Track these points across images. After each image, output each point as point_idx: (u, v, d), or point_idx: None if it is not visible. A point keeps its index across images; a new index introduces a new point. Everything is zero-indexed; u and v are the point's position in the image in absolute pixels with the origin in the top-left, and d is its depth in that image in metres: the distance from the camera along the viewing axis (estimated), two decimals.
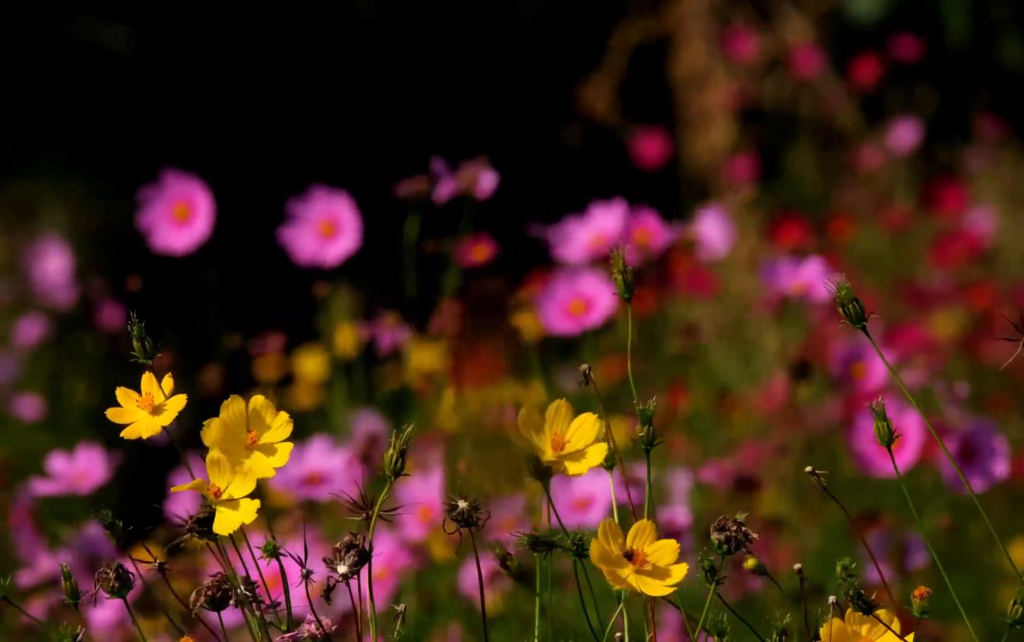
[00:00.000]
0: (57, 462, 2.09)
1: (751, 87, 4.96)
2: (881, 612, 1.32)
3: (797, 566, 1.37)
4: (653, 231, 2.36)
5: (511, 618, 2.11)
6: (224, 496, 1.31)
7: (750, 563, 1.35)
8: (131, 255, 2.35)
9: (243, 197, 2.32)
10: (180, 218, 2.27)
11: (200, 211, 2.26)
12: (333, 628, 1.31)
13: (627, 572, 1.29)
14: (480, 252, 2.36)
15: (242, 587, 1.32)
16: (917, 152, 4.30)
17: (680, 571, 1.30)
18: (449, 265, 2.34)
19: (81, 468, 2.09)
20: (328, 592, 1.33)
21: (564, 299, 2.29)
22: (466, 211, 2.29)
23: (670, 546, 1.30)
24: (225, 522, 1.31)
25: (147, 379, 1.34)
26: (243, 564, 1.34)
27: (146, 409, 1.34)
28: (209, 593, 1.31)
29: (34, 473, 2.17)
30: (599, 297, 2.28)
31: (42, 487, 2.08)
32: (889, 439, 1.34)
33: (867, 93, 4.69)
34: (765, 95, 4.96)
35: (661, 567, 1.30)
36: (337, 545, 1.32)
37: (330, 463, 2.17)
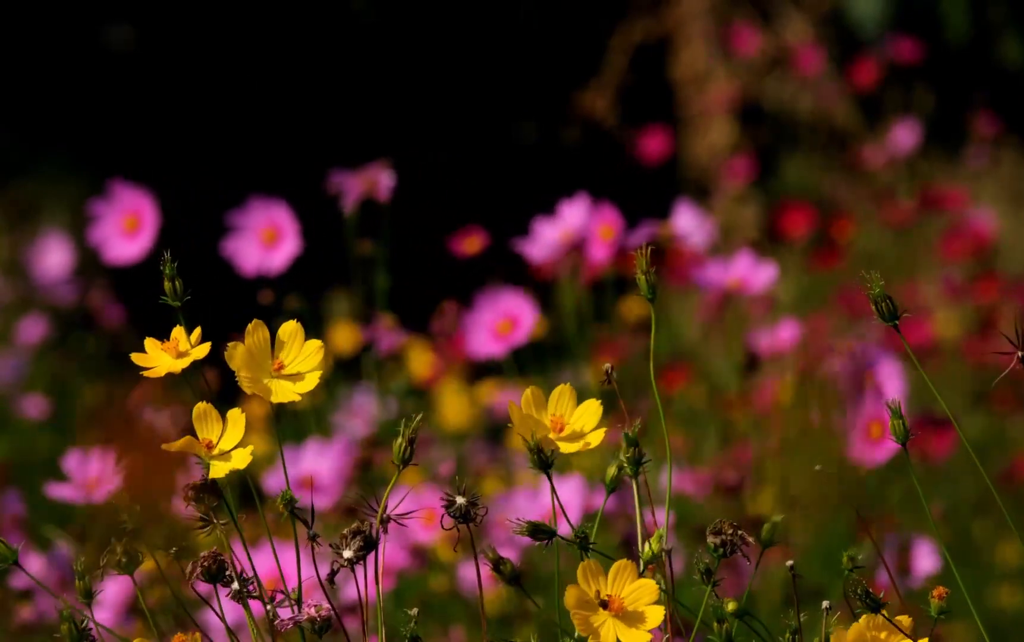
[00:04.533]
0: (72, 462, 2.07)
1: (751, 87, 4.97)
2: (902, 618, 1.32)
3: (789, 562, 1.36)
4: (615, 226, 2.37)
5: (514, 617, 2.11)
6: (215, 451, 1.31)
7: (731, 606, 1.34)
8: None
9: (243, 196, 2.33)
10: (129, 229, 2.26)
11: (147, 222, 2.25)
12: (332, 612, 1.31)
13: (601, 620, 1.26)
14: (472, 244, 2.37)
15: (236, 583, 1.32)
16: (916, 152, 4.30)
17: (658, 614, 1.27)
18: (378, 267, 2.34)
19: (95, 474, 2.06)
20: (332, 576, 1.33)
21: (491, 321, 2.30)
22: (383, 214, 2.29)
23: (649, 587, 1.28)
24: (218, 471, 1.31)
25: (177, 330, 1.34)
26: (249, 559, 1.34)
27: (170, 354, 1.34)
28: (205, 565, 1.31)
29: (37, 472, 2.15)
30: (522, 314, 2.30)
31: (58, 490, 2.06)
32: (905, 437, 1.35)
33: (866, 93, 4.70)
34: (765, 95, 4.97)
35: (639, 611, 1.27)
36: (344, 531, 1.32)
37: (325, 465, 2.16)
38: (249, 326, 1.33)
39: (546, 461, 1.32)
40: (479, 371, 2.83)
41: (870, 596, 1.31)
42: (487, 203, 2.35)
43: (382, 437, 2.33)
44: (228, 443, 1.31)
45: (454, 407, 2.77)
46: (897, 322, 1.35)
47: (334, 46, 5.30)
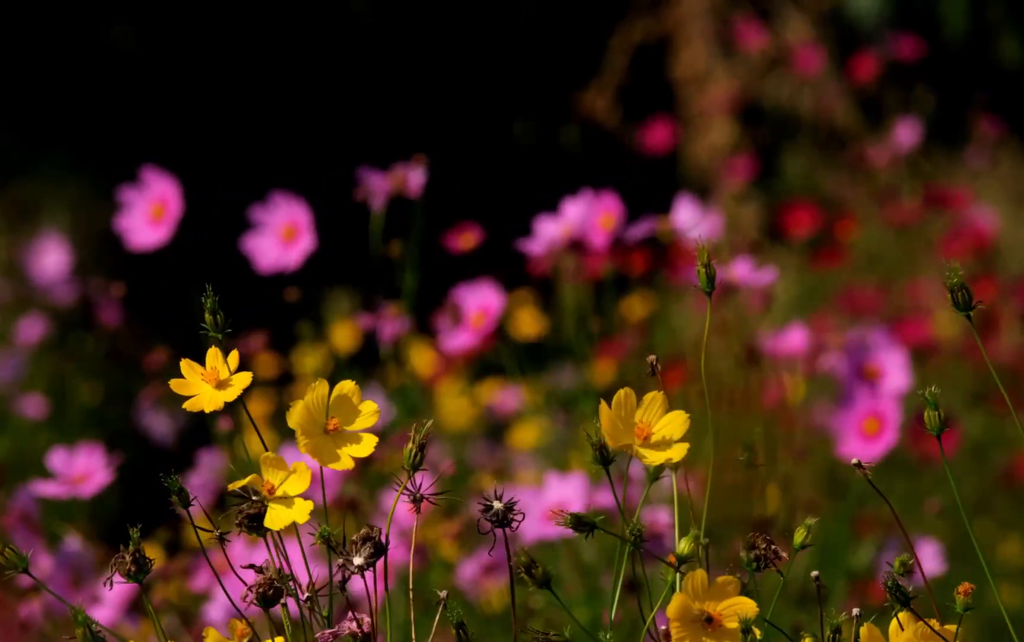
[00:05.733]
0: (57, 459, 2.06)
1: (751, 87, 4.96)
2: (947, 628, 1.32)
3: (814, 574, 1.36)
4: (616, 214, 2.37)
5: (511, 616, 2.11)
6: (278, 493, 1.30)
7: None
8: (132, 256, 2.35)
9: (244, 197, 2.32)
10: (155, 217, 2.25)
11: (171, 210, 2.25)
12: (373, 627, 1.30)
13: (703, 635, 1.26)
14: (467, 240, 2.37)
15: (290, 585, 1.32)
16: (917, 151, 4.30)
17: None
18: (407, 267, 2.33)
19: (82, 469, 2.06)
20: (343, 583, 1.33)
21: (471, 315, 2.31)
22: (416, 212, 2.29)
23: (747, 605, 1.27)
24: (277, 518, 1.29)
25: (213, 353, 1.32)
26: (282, 560, 1.34)
27: (210, 383, 1.31)
28: (260, 590, 1.31)
29: (37, 472, 2.15)
30: (491, 303, 2.30)
31: (43, 489, 2.05)
32: (940, 429, 1.35)
33: (866, 92, 4.70)
34: (765, 95, 4.96)
35: (732, 628, 1.27)
36: (354, 538, 1.32)
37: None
38: (312, 383, 1.31)
39: (607, 458, 1.31)
40: (480, 370, 2.83)
41: (900, 590, 1.31)
42: (488, 202, 2.35)
43: (384, 434, 2.33)
44: (292, 489, 1.30)
45: (455, 406, 2.77)
46: (971, 313, 1.34)
47: (333, 46, 5.30)
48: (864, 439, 2.30)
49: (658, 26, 5.05)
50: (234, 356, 1.31)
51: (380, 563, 1.33)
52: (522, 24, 5.33)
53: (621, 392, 1.33)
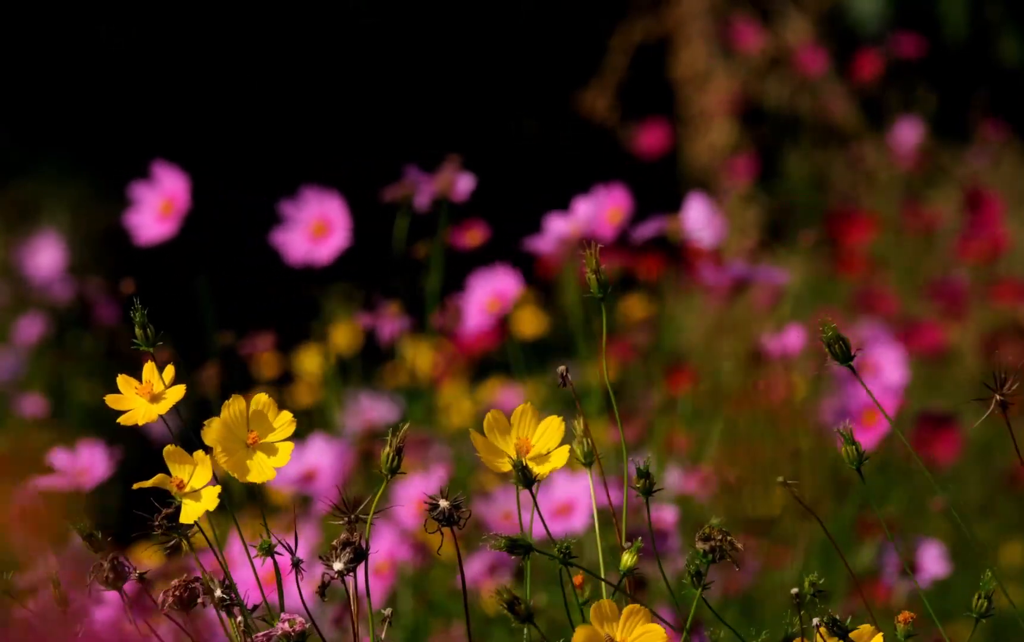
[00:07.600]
0: (60, 458, 2.07)
1: (751, 87, 4.96)
2: (864, 628, 1.31)
3: (794, 590, 1.35)
4: (625, 210, 2.36)
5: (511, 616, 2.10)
6: (187, 488, 1.31)
7: None
8: (133, 256, 2.35)
9: (244, 198, 2.32)
10: (164, 212, 2.25)
11: (180, 204, 2.24)
12: (307, 625, 1.29)
13: None
14: (473, 237, 2.37)
15: (219, 590, 1.31)
16: (918, 151, 4.29)
17: None
18: (431, 267, 2.33)
19: (84, 464, 2.07)
20: (323, 589, 1.32)
21: (482, 298, 2.30)
22: (442, 213, 2.29)
23: (657, 633, 1.27)
24: (189, 512, 1.30)
25: (148, 368, 1.33)
26: (223, 567, 1.33)
27: (145, 397, 1.33)
28: (176, 593, 1.30)
29: (36, 470, 2.15)
30: (507, 289, 2.30)
31: (44, 482, 2.06)
32: (859, 461, 1.35)
33: (868, 92, 4.69)
34: (765, 95, 4.96)
35: None
36: (334, 542, 1.31)
37: (327, 460, 2.16)
38: (226, 400, 1.33)
39: (530, 478, 1.31)
40: (482, 369, 2.82)
41: (837, 624, 1.30)
42: (488, 202, 2.34)
43: (383, 432, 2.33)
44: (199, 481, 1.31)
45: (456, 406, 2.77)
46: (851, 362, 1.32)
47: (332, 45, 5.29)
48: (860, 430, 2.30)
49: (658, 26, 5.04)
50: (169, 370, 1.32)
51: (384, 563, 1.32)
52: (522, 24, 5.32)
53: (489, 414, 1.34)
